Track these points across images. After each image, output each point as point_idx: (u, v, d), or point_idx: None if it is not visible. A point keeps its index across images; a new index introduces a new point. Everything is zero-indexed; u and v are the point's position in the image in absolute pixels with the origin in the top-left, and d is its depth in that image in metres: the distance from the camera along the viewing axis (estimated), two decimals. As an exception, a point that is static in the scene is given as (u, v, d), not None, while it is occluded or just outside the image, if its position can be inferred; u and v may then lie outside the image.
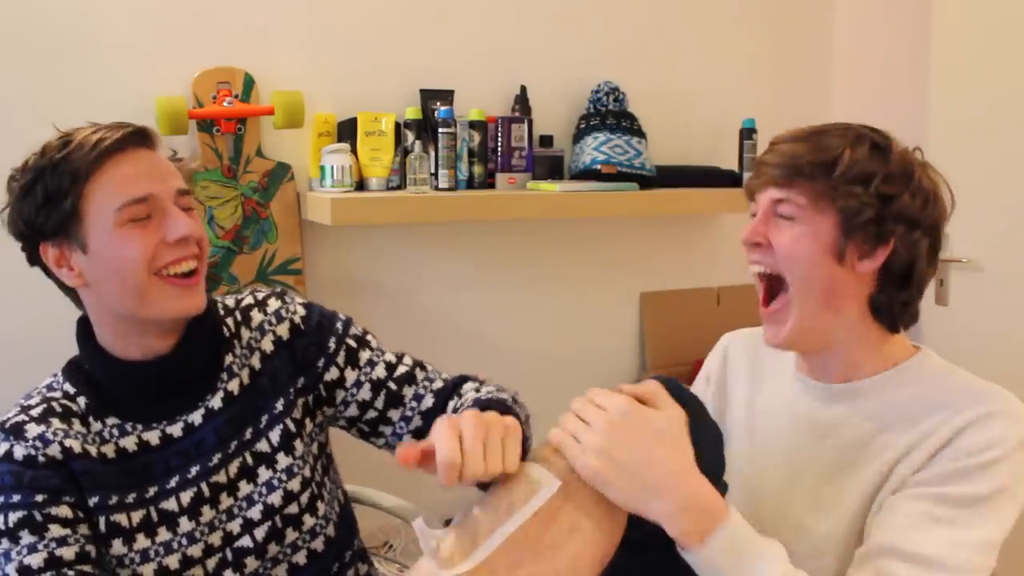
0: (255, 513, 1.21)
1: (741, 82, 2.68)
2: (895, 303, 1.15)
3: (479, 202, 2.17)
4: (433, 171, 2.18)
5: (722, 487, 1.04)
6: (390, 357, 1.31)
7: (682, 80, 2.61)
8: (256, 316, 1.28)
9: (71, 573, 1.08)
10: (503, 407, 1.12)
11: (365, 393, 1.27)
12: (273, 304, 1.29)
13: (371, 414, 1.28)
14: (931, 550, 1.01)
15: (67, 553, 1.09)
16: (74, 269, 1.15)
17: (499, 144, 2.29)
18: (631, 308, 2.63)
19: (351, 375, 1.28)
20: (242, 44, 2.12)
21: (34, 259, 1.19)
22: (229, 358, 1.24)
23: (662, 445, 0.96)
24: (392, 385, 1.28)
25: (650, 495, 0.94)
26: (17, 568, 1.08)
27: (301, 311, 1.29)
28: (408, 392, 1.27)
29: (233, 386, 1.23)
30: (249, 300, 1.30)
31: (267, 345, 1.26)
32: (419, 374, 1.30)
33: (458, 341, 2.40)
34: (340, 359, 1.28)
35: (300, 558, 1.24)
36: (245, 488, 1.21)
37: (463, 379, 1.30)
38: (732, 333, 1.43)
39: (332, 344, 1.28)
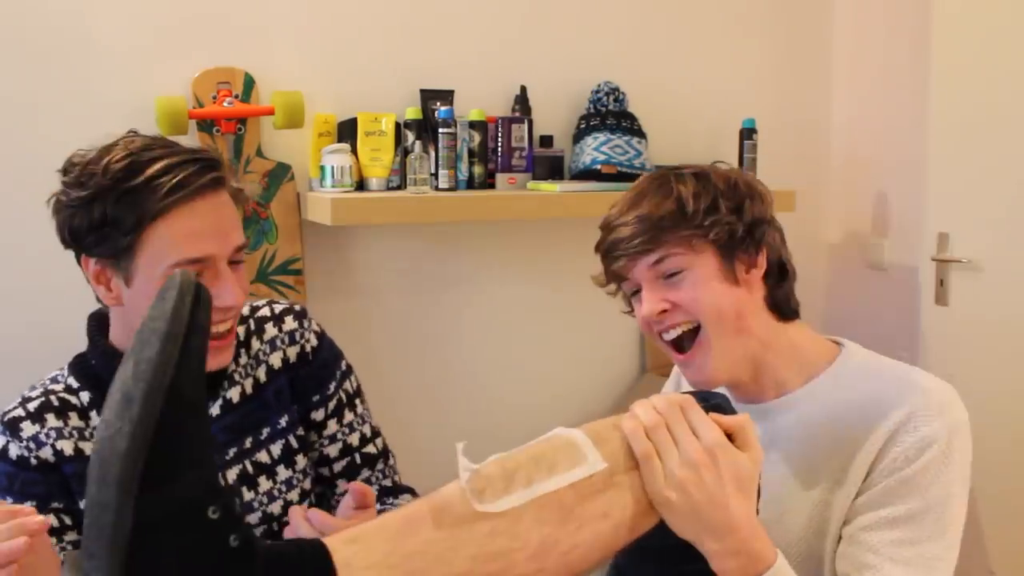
0: (253, 519, 1.22)
1: (741, 82, 2.68)
2: (786, 294, 1.21)
3: (479, 202, 2.17)
4: (433, 171, 2.18)
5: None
6: (367, 430, 1.34)
7: (682, 80, 2.60)
8: (270, 330, 1.28)
9: None
10: None
11: (333, 451, 1.30)
12: (289, 323, 1.29)
13: (325, 471, 1.30)
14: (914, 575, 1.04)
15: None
16: (112, 291, 1.14)
17: (499, 144, 2.29)
18: (631, 308, 2.63)
19: (332, 427, 1.30)
20: (242, 44, 2.12)
21: (76, 258, 1.17)
22: (232, 367, 1.24)
23: (738, 492, 0.92)
24: (357, 457, 1.31)
25: (708, 534, 0.92)
26: None
27: (314, 340, 1.30)
28: (363, 474, 1.31)
29: (233, 394, 1.23)
30: (266, 312, 1.30)
31: (275, 361, 1.26)
32: (379, 464, 1.33)
33: (458, 341, 2.40)
34: (331, 405, 1.30)
35: None
36: (246, 495, 1.22)
37: (407, 490, 1.34)
38: None
39: (331, 387, 1.30)
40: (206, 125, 2.08)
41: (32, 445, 1.13)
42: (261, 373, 1.25)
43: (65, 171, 1.13)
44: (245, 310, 1.29)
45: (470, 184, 2.26)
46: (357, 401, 1.33)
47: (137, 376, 0.71)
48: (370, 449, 1.32)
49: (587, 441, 0.90)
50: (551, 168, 2.39)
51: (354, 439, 1.31)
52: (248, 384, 1.24)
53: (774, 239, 1.20)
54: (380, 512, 1.20)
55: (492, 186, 2.29)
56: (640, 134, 2.38)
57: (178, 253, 1.09)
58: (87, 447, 1.15)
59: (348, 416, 1.31)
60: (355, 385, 1.34)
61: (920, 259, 2.34)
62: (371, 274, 2.31)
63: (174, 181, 1.07)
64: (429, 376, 2.37)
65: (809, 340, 1.22)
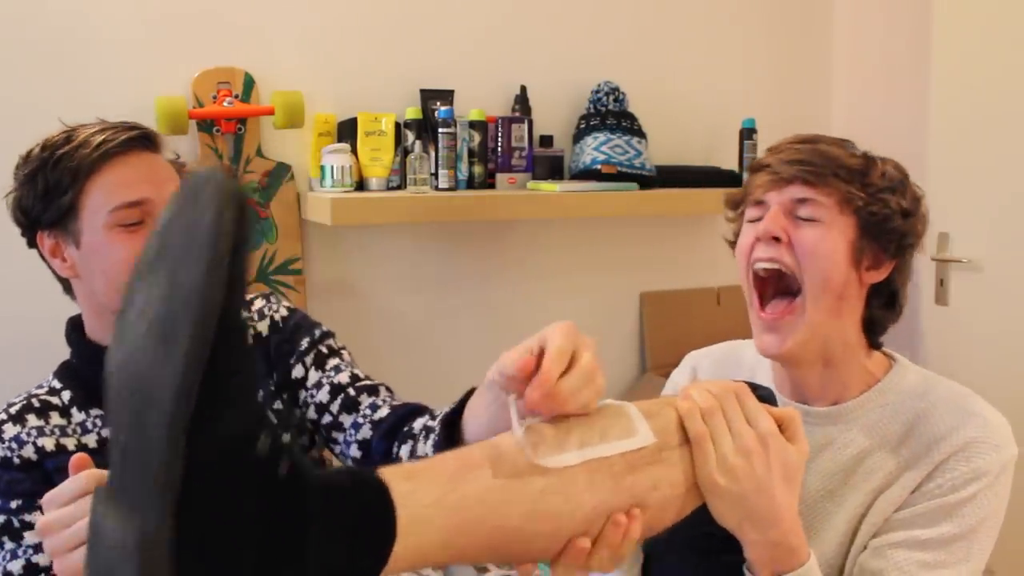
0: None
1: (741, 82, 2.68)
2: (885, 322, 1.16)
3: (479, 202, 2.17)
4: (433, 171, 2.18)
5: None
6: (359, 372, 1.28)
7: (682, 80, 2.60)
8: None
9: None
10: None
11: (323, 395, 1.25)
12: (258, 304, 1.32)
13: (327, 418, 1.25)
14: None
15: (43, 560, 1.12)
16: (67, 261, 1.19)
17: (499, 144, 2.29)
18: (631, 308, 2.63)
19: (314, 375, 1.27)
20: (242, 44, 2.12)
21: (32, 245, 1.23)
22: None
23: (784, 483, 0.92)
24: (351, 391, 1.25)
25: (751, 523, 0.92)
26: (2, 573, 1.11)
27: (283, 312, 1.32)
28: (365, 400, 1.23)
29: None
30: None
31: (248, 341, 1.27)
32: (383, 391, 1.26)
33: (458, 341, 2.40)
34: (308, 359, 1.28)
35: None
36: None
37: (423, 409, 1.24)
38: (697, 353, 1.39)
39: (304, 344, 1.28)
40: (206, 125, 2.08)
41: (14, 445, 1.15)
42: None
43: (16, 167, 1.21)
44: None
45: (470, 184, 2.26)
46: (342, 352, 1.30)
47: (179, 301, 0.62)
48: (365, 382, 1.26)
49: (638, 414, 0.88)
50: (551, 168, 2.38)
51: (343, 378, 1.25)
52: None
53: (909, 267, 1.16)
54: (411, 459, 1.13)
55: (492, 186, 2.29)
56: (640, 134, 2.38)
57: (115, 199, 1.15)
58: (69, 443, 1.17)
59: (331, 362, 1.27)
60: (337, 344, 1.31)
61: (920, 259, 2.33)
62: (371, 274, 2.31)
63: (103, 138, 1.16)
64: (429, 376, 2.37)
65: (874, 352, 1.19)
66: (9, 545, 1.12)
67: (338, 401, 1.25)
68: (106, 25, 2.01)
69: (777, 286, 1.13)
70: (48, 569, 1.11)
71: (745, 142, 2.51)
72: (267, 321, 1.30)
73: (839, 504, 1.12)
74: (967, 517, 1.05)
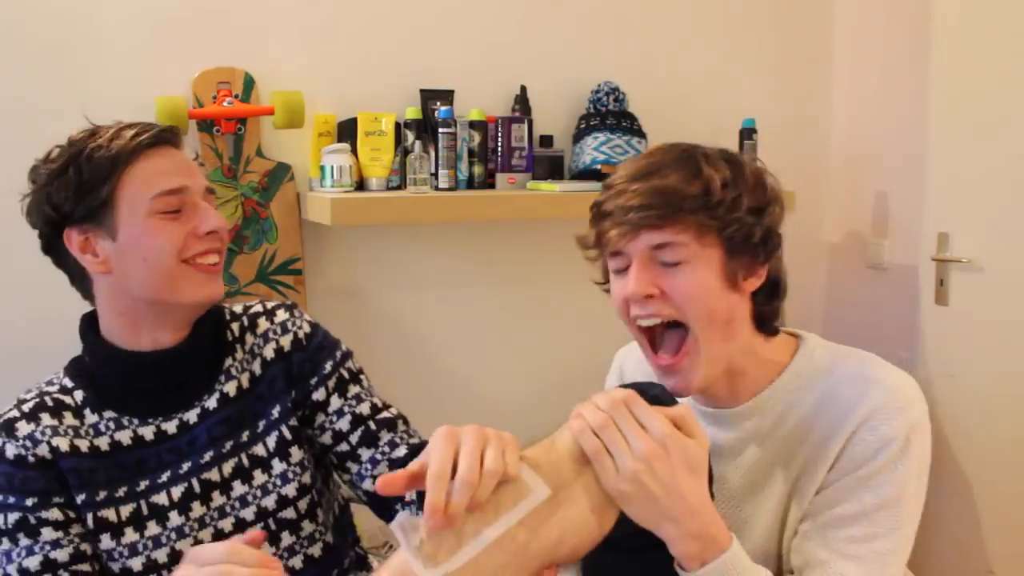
0: (248, 514, 1.22)
1: (741, 82, 2.68)
2: (775, 310, 1.16)
3: (479, 202, 2.17)
4: (433, 171, 2.18)
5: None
6: (377, 401, 1.31)
7: (682, 80, 2.60)
8: (263, 324, 1.29)
9: (66, 574, 1.12)
10: None
11: (344, 424, 1.27)
12: (281, 315, 1.30)
13: (343, 447, 1.27)
14: (866, 571, 1.04)
15: (61, 555, 1.12)
16: (99, 256, 1.18)
17: (499, 144, 2.29)
18: (631, 308, 2.62)
19: (336, 402, 1.28)
20: (242, 44, 2.12)
21: (50, 247, 1.21)
22: (228, 361, 1.26)
23: (690, 477, 0.95)
24: (372, 424, 1.27)
25: (667, 520, 0.95)
26: (17, 569, 1.11)
27: (307, 328, 1.30)
28: (385, 436, 1.26)
29: (230, 388, 1.24)
30: (258, 308, 1.31)
31: (269, 352, 1.27)
32: (400, 425, 1.29)
33: (458, 341, 2.40)
34: (331, 383, 1.28)
35: (296, 562, 1.24)
36: (239, 488, 1.22)
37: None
38: (626, 349, 1.40)
39: (328, 367, 1.29)
40: (206, 125, 2.08)
41: (29, 443, 1.15)
42: (256, 366, 1.26)
43: (33, 169, 1.20)
44: (238, 308, 1.31)
45: (470, 184, 2.26)
46: (361, 378, 1.32)
47: None
48: (385, 415, 1.29)
49: (528, 471, 0.91)
50: (551, 168, 2.39)
51: (364, 408, 1.28)
52: (244, 378, 1.25)
53: (780, 252, 1.15)
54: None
55: (492, 186, 2.29)
56: (640, 134, 2.38)
57: (156, 187, 1.16)
58: (82, 444, 1.17)
59: (353, 390, 1.29)
60: (356, 367, 1.33)
61: (920, 259, 2.34)
62: (371, 274, 2.31)
63: (134, 131, 1.17)
64: (428, 375, 2.38)
65: (777, 343, 1.19)
66: (25, 542, 1.12)
67: (358, 433, 1.27)
68: (106, 25, 2.01)
69: (664, 325, 1.13)
70: (66, 565, 1.12)
71: (745, 142, 2.51)
72: (290, 336, 1.29)
73: (765, 494, 1.14)
74: (886, 485, 1.06)
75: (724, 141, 2.59)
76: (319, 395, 1.28)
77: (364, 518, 1.49)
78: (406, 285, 2.34)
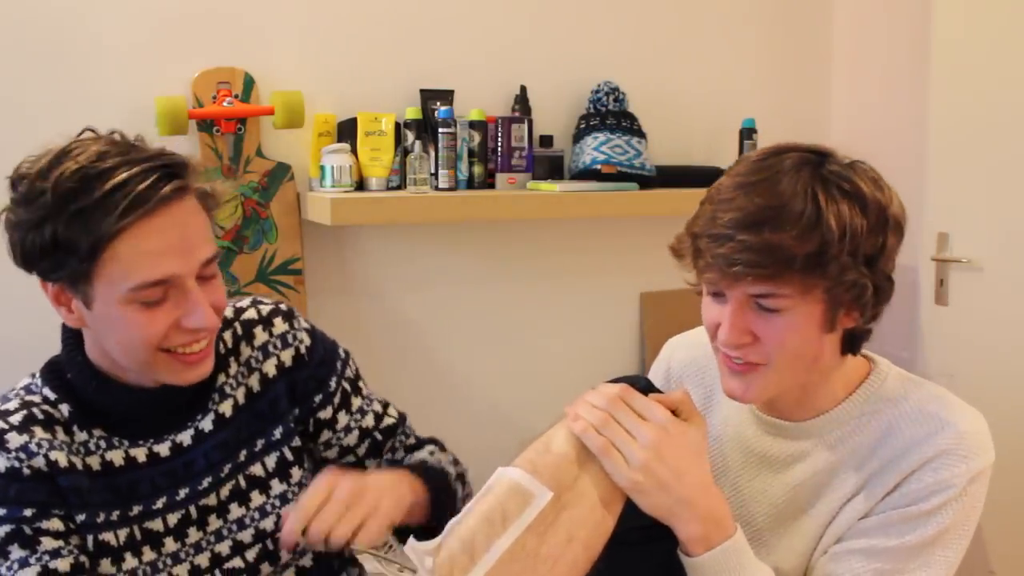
0: (246, 536, 1.18)
1: (741, 82, 2.68)
2: (867, 333, 1.10)
3: (479, 202, 2.17)
4: (433, 171, 2.18)
5: None
6: (377, 407, 1.32)
7: (682, 80, 2.60)
8: (260, 335, 1.22)
9: None
10: (443, 482, 1.18)
11: (352, 439, 1.28)
12: (279, 326, 1.23)
13: (350, 458, 1.28)
14: None
15: (62, 565, 1.05)
16: (73, 312, 1.07)
17: (499, 144, 2.29)
18: (631, 308, 2.62)
19: (343, 419, 1.27)
20: (242, 44, 2.12)
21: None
22: (222, 378, 1.19)
23: (695, 459, 0.98)
24: (377, 435, 1.29)
25: (679, 505, 0.97)
26: None
27: (307, 340, 1.24)
28: (388, 445, 1.30)
29: (225, 408, 1.18)
30: (252, 314, 1.23)
31: (269, 369, 1.21)
32: (399, 428, 1.32)
33: (458, 341, 2.40)
34: (336, 400, 1.26)
35: (289, 574, 1.23)
36: (236, 511, 1.18)
37: (431, 441, 1.34)
38: (678, 339, 1.35)
39: (332, 383, 1.26)
40: (206, 125, 2.08)
41: (22, 455, 1.06)
42: (254, 382, 1.20)
43: (13, 184, 1.03)
44: (229, 312, 1.23)
45: (470, 184, 2.26)
46: (360, 385, 1.31)
47: None
48: (387, 422, 1.30)
49: (527, 476, 0.93)
50: (551, 168, 2.38)
51: (368, 421, 1.28)
52: (240, 394, 1.19)
53: (891, 291, 1.06)
54: (409, 464, 1.24)
55: (492, 186, 2.29)
56: (640, 134, 2.38)
57: (138, 276, 1.00)
58: (76, 461, 1.09)
59: (356, 403, 1.28)
60: (354, 370, 1.31)
61: (920, 259, 2.34)
62: (371, 274, 2.31)
63: (130, 197, 0.97)
64: (429, 376, 2.37)
65: (850, 365, 1.13)
66: (18, 554, 1.04)
67: (365, 446, 1.29)
68: (106, 25, 2.01)
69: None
70: (68, 575, 1.05)
71: (745, 142, 2.51)
72: (291, 351, 1.23)
73: (808, 514, 1.11)
74: (928, 527, 1.03)
75: (724, 141, 2.63)
76: (325, 414, 1.25)
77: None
78: (406, 285, 2.34)
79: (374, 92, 2.24)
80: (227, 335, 1.21)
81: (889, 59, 2.62)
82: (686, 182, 2.42)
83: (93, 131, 1.09)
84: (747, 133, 2.51)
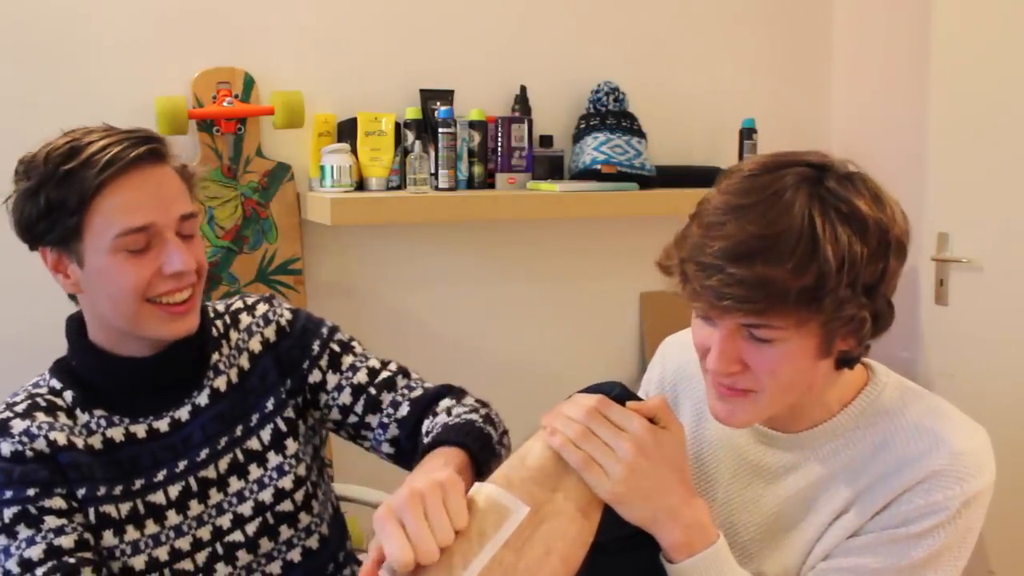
0: (246, 509, 1.22)
1: (741, 82, 2.68)
2: (865, 351, 1.05)
3: (479, 202, 2.17)
4: (433, 171, 2.18)
5: None
6: (374, 363, 1.31)
7: (682, 80, 2.60)
8: (244, 319, 1.30)
9: (72, 560, 1.10)
10: (472, 432, 1.13)
11: (345, 397, 1.28)
12: (261, 308, 1.32)
13: (352, 419, 1.29)
14: None
15: (66, 542, 1.10)
16: (70, 277, 1.17)
17: (499, 144, 2.29)
18: (631, 308, 2.63)
19: (332, 379, 1.29)
20: (242, 44, 2.12)
21: (35, 249, 1.21)
22: (216, 357, 1.26)
23: (674, 468, 0.98)
24: (372, 391, 1.28)
25: (663, 513, 0.97)
26: (18, 562, 1.09)
27: (287, 315, 1.32)
28: (386, 398, 1.28)
29: (220, 383, 1.25)
30: (239, 304, 1.32)
31: (255, 346, 1.28)
32: (400, 381, 1.30)
33: (458, 341, 2.40)
34: (323, 362, 1.29)
35: (295, 555, 1.25)
36: (236, 484, 1.22)
37: (443, 391, 1.29)
38: (672, 338, 1.32)
39: (316, 347, 1.30)
40: (206, 125, 2.08)
41: (25, 439, 1.14)
42: (244, 361, 1.27)
43: (15, 171, 1.17)
44: (220, 307, 1.32)
45: (470, 184, 2.26)
46: (353, 344, 1.33)
47: None
48: (383, 376, 1.29)
49: (503, 492, 0.93)
50: (551, 168, 2.39)
51: (361, 377, 1.29)
52: (233, 373, 1.26)
53: (891, 317, 1.01)
54: (427, 437, 1.17)
55: (492, 186, 2.29)
56: (640, 134, 2.38)
57: (119, 225, 1.12)
58: (78, 441, 1.16)
59: (347, 361, 1.30)
60: (346, 338, 1.33)
61: (920, 259, 2.34)
62: (371, 274, 2.31)
63: (109, 155, 1.11)
64: (428, 375, 2.36)
65: (847, 376, 1.08)
66: (25, 533, 1.10)
67: (361, 402, 1.28)
68: (106, 25, 2.01)
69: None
70: (72, 551, 1.10)
71: (745, 142, 2.51)
72: (273, 326, 1.30)
73: (797, 528, 1.09)
74: (918, 551, 1.00)
75: (724, 141, 2.63)
76: (315, 377, 1.29)
77: (365, 519, 1.49)
78: (406, 285, 2.34)
79: (374, 92, 2.24)
80: (219, 323, 1.29)
81: (889, 59, 2.62)
82: (686, 182, 2.42)
83: (85, 128, 1.20)
84: (747, 133, 2.51)
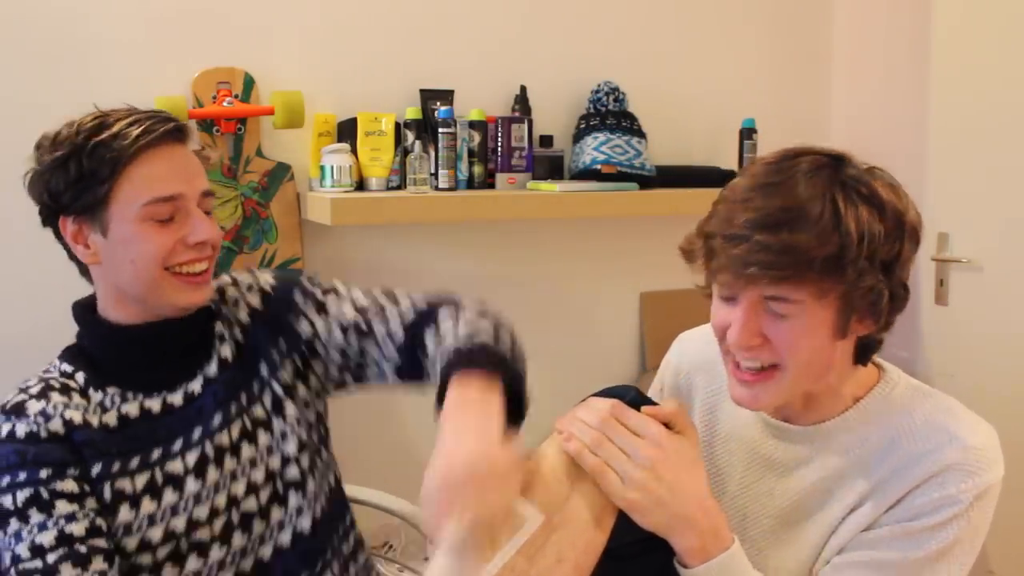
0: (258, 476, 1.24)
1: (741, 82, 2.68)
2: (880, 343, 1.09)
3: (479, 202, 2.17)
4: (433, 171, 2.18)
5: None
6: (356, 295, 1.33)
7: (682, 80, 2.61)
8: (231, 292, 1.34)
9: (83, 548, 1.11)
10: (485, 354, 1.11)
11: (338, 337, 1.30)
12: (244, 279, 1.36)
13: (353, 357, 1.30)
14: None
15: (77, 529, 1.12)
16: (90, 248, 1.20)
17: (499, 144, 2.29)
18: (631, 308, 2.63)
19: (321, 323, 1.31)
20: (242, 44, 2.12)
21: (48, 223, 1.23)
22: (220, 327, 1.29)
23: (690, 474, 0.98)
24: (362, 325, 1.30)
25: (677, 519, 0.97)
26: (29, 547, 1.10)
27: (270, 279, 1.36)
28: (379, 329, 1.29)
29: (226, 352, 1.28)
30: (226, 279, 1.36)
31: (243, 316, 1.32)
32: (388, 309, 1.30)
33: (458, 341, 2.40)
34: (309, 310, 1.31)
35: (304, 523, 1.26)
36: (247, 451, 1.24)
37: (438, 306, 1.28)
38: (687, 335, 1.34)
39: (299, 297, 1.32)
40: (206, 125, 2.08)
41: (40, 419, 1.15)
42: (237, 332, 1.30)
43: (38, 146, 1.20)
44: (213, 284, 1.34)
45: (470, 184, 2.26)
46: (336, 285, 1.35)
47: None
48: (370, 307, 1.30)
49: (518, 500, 0.93)
50: (551, 168, 2.39)
51: (347, 312, 1.30)
52: (235, 344, 1.29)
53: (906, 299, 1.04)
54: (441, 357, 1.15)
55: (492, 186, 2.29)
56: (640, 134, 2.38)
57: (150, 192, 1.17)
58: (93, 420, 1.18)
59: (330, 301, 1.32)
60: (330, 284, 1.35)
61: (920, 259, 2.34)
62: (371, 274, 2.30)
63: (141, 129, 1.17)
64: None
65: (860, 372, 1.11)
66: (37, 518, 1.11)
67: (355, 336, 1.30)
68: (106, 25, 2.01)
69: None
70: (83, 539, 1.11)
71: (745, 142, 2.51)
72: (256, 293, 1.34)
73: (810, 521, 1.10)
74: (932, 543, 1.01)
75: (724, 141, 2.63)
76: (304, 326, 1.31)
77: (365, 518, 1.49)
78: (406, 285, 2.32)
79: (374, 92, 2.24)
80: (213, 303, 1.33)
81: (889, 59, 2.62)
82: (686, 182, 2.42)
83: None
84: (747, 133, 2.51)
